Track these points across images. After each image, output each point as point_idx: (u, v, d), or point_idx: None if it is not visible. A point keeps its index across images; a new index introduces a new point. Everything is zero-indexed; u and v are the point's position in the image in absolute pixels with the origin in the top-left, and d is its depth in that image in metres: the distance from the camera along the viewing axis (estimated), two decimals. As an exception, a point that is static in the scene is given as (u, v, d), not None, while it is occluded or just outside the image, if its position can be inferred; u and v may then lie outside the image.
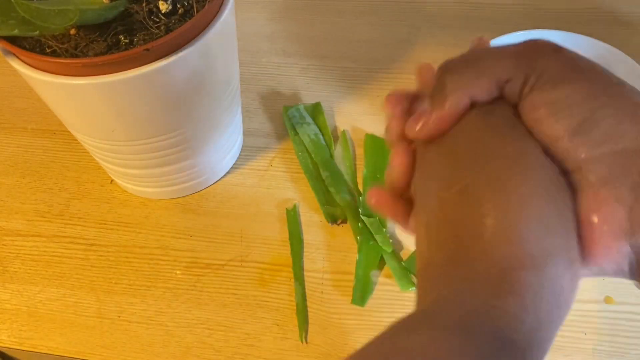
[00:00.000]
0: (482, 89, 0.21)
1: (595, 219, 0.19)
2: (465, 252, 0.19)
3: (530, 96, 0.20)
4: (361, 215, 0.44)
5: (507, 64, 0.21)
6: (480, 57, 0.22)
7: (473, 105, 0.21)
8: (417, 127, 0.22)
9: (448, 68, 0.22)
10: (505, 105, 0.21)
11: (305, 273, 0.42)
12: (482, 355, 0.16)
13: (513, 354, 0.16)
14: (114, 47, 0.32)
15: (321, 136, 0.50)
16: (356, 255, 0.42)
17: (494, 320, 0.17)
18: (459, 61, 0.22)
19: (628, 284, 0.40)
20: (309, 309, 0.40)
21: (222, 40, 0.37)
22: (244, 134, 0.51)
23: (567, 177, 0.20)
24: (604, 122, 0.19)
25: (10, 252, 0.44)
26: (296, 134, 0.50)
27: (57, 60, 0.31)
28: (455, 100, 0.21)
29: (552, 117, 0.19)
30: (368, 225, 0.43)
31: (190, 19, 0.33)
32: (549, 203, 0.19)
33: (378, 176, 0.47)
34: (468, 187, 0.20)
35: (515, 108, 0.21)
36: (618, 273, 0.19)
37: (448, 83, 0.21)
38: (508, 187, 0.19)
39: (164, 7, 0.33)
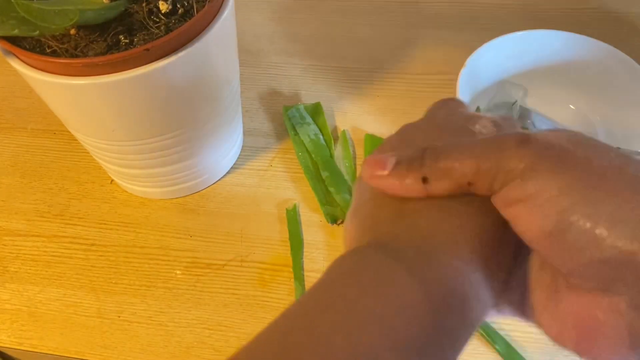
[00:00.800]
0: (442, 190, 0.20)
1: (590, 320, 0.17)
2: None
3: (502, 192, 0.19)
4: (361, 215, 0.44)
5: (468, 168, 0.19)
6: (438, 158, 0.20)
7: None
8: (372, 175, 0.22)
9: (425, 151, 0.21)
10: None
11: (305, 273, 0.42)
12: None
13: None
14: (114, 47, 0.32)
15: (321, 136, 0.50)
16: (356, 255, 0.42)
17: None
18: (432, 151, 0.21)
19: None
20: (309, 309, 0.40)
21: (222, 40, 0.37)
22: (244, 134, 0.51)
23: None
24: (578, 225, 0.16)
25: (10, 252, 0.44)
26: (296, 134, 0.50)
27: (57, 60, 0.31)
28: (411, 184, 0.21)
29: (526, 216, 0.18)
30: (368, 225, 0.43)
31: (190, 19, 0.33)
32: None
33: (378, 176, 0.47)
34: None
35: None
36: None
37: (415, 166, 0.21)
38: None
39: (164, 7, 0.33)
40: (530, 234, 0.18)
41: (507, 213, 0.19)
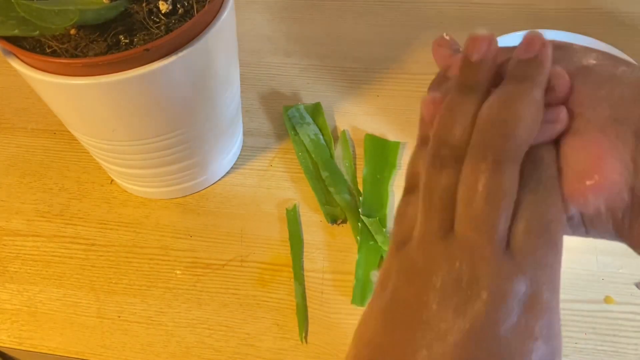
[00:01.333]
0: None
1: (599, 151, 0.19)
2: None
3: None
4: (361, 215, 0.44)
5: None
6: None
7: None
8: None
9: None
10: None
11: (305, 273, 0.42)
12: None
13: None
14: (114, 47, 0.32)
15: (321, 136, 0.50)
16: (356, 255, 0.42)
17: None
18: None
19: (628, 283, 0.40)
20: (309, 309, 0.40)
21: (222, 40, 0.37)
22: (244, 134, 0.51)
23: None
24: (599, 67, 0.20)
25: (10, 252, 0.44)
26: (296, 134, 0.50)
27: (57, 60, 0.31)
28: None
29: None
30: (368, 225, 0.43)
31: (190, 19, 0.33)
32: None
33: (378, 176, 0.47)
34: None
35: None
36: (603, 224, 0.20)
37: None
38: None
39: (164, 7, 0.33)
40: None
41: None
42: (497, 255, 0.19)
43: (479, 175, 0.19)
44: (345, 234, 0.44)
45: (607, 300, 0.39)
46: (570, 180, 0.19)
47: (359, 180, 0.47)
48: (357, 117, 0.52)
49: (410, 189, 0.23)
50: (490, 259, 0.19)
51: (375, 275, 0.41)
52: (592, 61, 0.21)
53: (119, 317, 0.40)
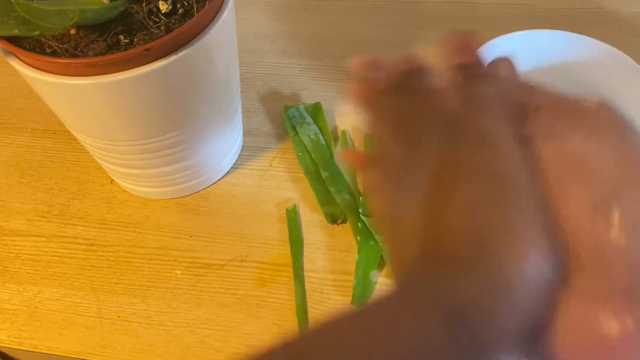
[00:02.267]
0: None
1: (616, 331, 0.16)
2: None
3: (554, 140, 0.19)
4: (361, 215, 0.44)
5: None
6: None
7: None
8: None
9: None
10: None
11: (305, 273, 0.42)
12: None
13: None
14: (114, 47, 0.32)
15: (321, 136, 0.50)
16: (356, 256, 0.42)
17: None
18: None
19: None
20: (309, 309, 0.40)
21: (222, 40, 0.37)
22: (244, 134, 0.51)
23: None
24: (627, 204, 0.15)
25: (10, 252, 0.44)
26: (296, 134, 0.50)
27: (57, 60, 0.31)
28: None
29: (574, 181, 0.17)
30: (368, 225, 0.43)
31: (190, 19, 0.33)
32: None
33: (378, 176, 0.47)
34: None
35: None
36: None
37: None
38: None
39: (164, 7, 0.33)
40: (574, 206, 0.17)
41: (556, 171, 0.18)
42: None
43: None
44: (345, 234, 0.44)
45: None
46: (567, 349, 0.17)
47: (359, 180, 0.47)
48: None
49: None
50: None
51: (375, 275, 0.41)
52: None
53: (119, 317, 0.40)
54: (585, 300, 0.16)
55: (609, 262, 0.15)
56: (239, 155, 0.50)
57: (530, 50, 0.49)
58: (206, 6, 0.34)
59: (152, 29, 0.33)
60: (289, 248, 0.43)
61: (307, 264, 0.42)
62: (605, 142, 0.17)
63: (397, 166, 0.22)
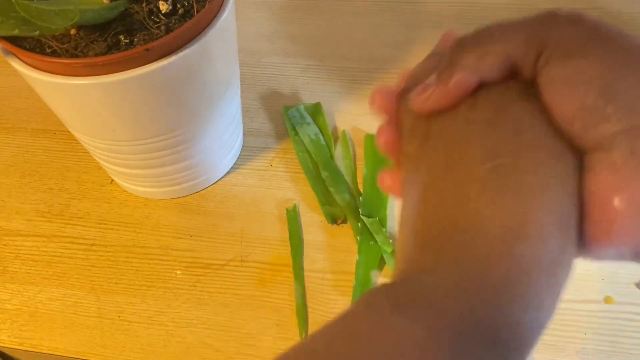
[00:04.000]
0: (492, 67, 0.20)
1: (617, 201, 0.17)
2: (470, 225, 0.18)
3: (545, 69, 0.19)
4: (361, 215, 0.44)
5: (518, 39, 0.20)
6: (491, 33, 0.21)
7: (482, 84, 0.21)
8: (421, 100, 0.22)
9: (459, 44, 0.21)
10: (516, 84, 0.20)
11: (305, 273, 0.42)
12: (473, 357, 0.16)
13: (504, 355, 0.16)
14: (114, 47, 0.32)
15: (321, 136, 0.50)
16: (356, 256, 0.42)
17: (491, 322, 0.16)
18: (470, 38, 0.21)
19: (628, 283, 0.40)
20: (309, 309, 0.40)
21: (222, 40, 0.37)
22: (244, 134, 0.51)
23: (581, 157, 0.19)
24: (624, 94, 0.17)
25: (10, 252, 0.44)
26: (296, 134, 0.50)
27: (57, 60, 0.31)
28: (461, 78, 0.20)
29: (568, 90, 0.18)
30: (368, 225, 0.43)
31: (190, 19, 0.33)
32: (563, 196, 0.18)
33: (378, 176, 0.47)
34: (500, 167, 0.19)
35: (531, 85, 0.20)
36: (620, 257, 0.18)
37: (457, 60, 0.21)
38: (525, 179, 0.18)
39: (164, 7, 0.33)
40: (572, 107, 0.18)
41: (550, 90, 0.19)
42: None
43: None
44: (345, 234, 0.44)
45: (607, 300, 0.39)
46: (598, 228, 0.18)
47: (359, 180, 0.47)
48: (357, 117, 0.52)
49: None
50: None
51: (375, 275, 0.41)
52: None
53: (119, 317, 0.40)
54: (612, 174, 0.17)
55: (615, 143, 0.17)
56: (239, 155, 0.50)
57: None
58: (206, 6, 0.34)
59: (152, 29, 0.33)
60: (289, 248, 0.43)
61: (307, 264, 0.42)
62: (591, 55, 0.18)
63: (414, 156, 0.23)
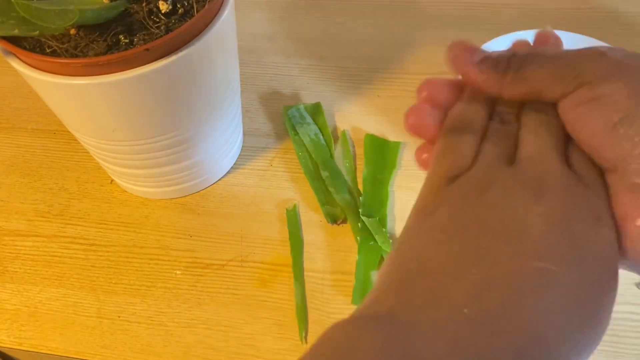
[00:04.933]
0: (517, 94, 0.22)
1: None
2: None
3: (572, 94, 0.20)
4: (361, 215, 0.44)
5: (548, 73, 0.21)
6: (524, 62, 0.22)
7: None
8: (478, 70, 0.23)
9: (526, 61, 0.22)
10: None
11: (305, 273, 0.42)
12: None
13: None
14: (114, 47, 0.32)
15: (321, 136, 0.50)
16: (356, 256, 0.42)
17: None
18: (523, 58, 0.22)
19: (628, 283, 0.40)
20: (309, 309, 0.40)
21: (222, 40, 0.37)
22: (244, 134, 0.51)
23: (603, 177, 0.20)
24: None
25: (10, 252, 0.44)
26: (296, 134, 0.50)
27: (57, 60, 0.31)
28: (520, 85, 0.22)
29: (591, 112, 0.19)
30: (368, 225, 0.43)
31: (190, 19, 0.33)
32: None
33: (378, 176, 0.47)
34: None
35: (554, 107, 0.22)
36: None
37: (524, 64, 0.22)
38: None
39: (164, 7, 0.33)
40: (594, 128, 0.19)
41: (574, 113, 0.20)
42: (564, 169, 0.20)
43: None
44: (345, 234, 0.44)
45: (607, 300, 0.39)
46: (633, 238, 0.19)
47: (359, 180, 0.47)
48: (357, 117, 0.52)
49: (454, 129, 0.24)
50: (559, 172, 0.20)
51: (375, 275, 0.41)
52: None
53: (119, 317, 0.40)
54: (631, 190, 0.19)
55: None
56: (239, 155, 0.50)
57: (530, 50, 0.49)
58: (206, 6, 0.34)
59: (152, 29, 0.33)
60: (289, 248, 0.43)
61: (307, 264, 0.42)
62: (617, 82, 0.19)
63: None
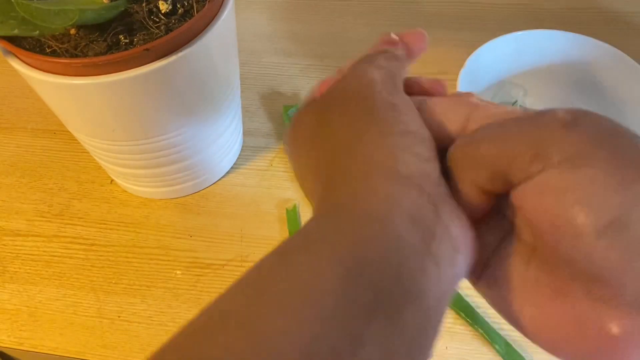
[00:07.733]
0: (482, 178, 0.18)
1: (618, 333, 0.15)
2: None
3: (541, 176, 0.16)
4: (361, 215, 0.44)
5: (502, 157, 0.17)
6: (480, 143, 0.18)
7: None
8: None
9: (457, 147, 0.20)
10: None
11: (305, 273, 0.42)
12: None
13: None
14: (114, 47, 0.32)
15: (321, 136, 0.50)
16: (356, 255, 0.42)
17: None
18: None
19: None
20: (309, 309, 0.40)
21: (222, 40, 0.37)
22: (244, 134, 0.51)
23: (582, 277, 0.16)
24: (634, 229, 0.14)
25: (10, 252, 0.44)
26: (296, 134, 0.50)
27: (57, 60, 0.31)
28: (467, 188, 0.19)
29: (566, 208, 0.15)
30: (368, 225, 0.43)
31: (190, 19, 0.33)
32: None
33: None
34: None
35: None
36: None
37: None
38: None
39: (164, 7, 0.33)
40: (578, 229, 0.15)
41: (540, 204, 0.16)
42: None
43: None
44: (345, 234, 0.44)
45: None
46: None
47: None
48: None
49: None
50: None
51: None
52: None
53: (119, 317, 0.40)
54: (588, 299, 0.16)
55: (615, 274, 0.15)
56: (239, 155, 0.50)
57: (530, 50, 0.50)
58: (206, 6, 0.34)
59: (152, 29, 0.33)
60: (289, 248, 0.43)
61: (307, 264, 0.42)
62: (595, 168, 0.15)
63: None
